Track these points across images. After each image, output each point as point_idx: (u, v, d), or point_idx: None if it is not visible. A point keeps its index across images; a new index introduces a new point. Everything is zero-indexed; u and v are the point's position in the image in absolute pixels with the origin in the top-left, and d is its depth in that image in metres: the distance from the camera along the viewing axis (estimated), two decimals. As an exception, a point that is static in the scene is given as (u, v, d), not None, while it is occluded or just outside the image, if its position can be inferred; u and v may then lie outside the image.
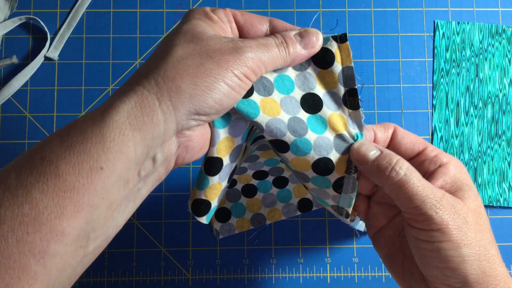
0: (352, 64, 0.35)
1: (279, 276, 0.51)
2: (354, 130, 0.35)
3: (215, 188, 0.35)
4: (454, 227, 0.31)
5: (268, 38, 0.32)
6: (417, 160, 0.37)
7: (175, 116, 0.28)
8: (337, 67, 0.35)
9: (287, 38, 0.33)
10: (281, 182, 0.50)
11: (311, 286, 0.51)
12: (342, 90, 0.35)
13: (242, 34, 0.34)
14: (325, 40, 0.35)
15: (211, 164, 0.34)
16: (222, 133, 0.33)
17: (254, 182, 0.50)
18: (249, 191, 0.50)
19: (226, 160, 0.35)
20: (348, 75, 0.35)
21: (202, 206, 0.35)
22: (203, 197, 0.35)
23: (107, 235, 0.28)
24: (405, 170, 0.33)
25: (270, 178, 0.49)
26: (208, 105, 0.29)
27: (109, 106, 0.27)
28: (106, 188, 0.26)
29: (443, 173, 0.35)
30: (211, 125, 0.33)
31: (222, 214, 0.50)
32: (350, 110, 0.35)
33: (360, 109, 0.35)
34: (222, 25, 0.32)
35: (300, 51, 0.34)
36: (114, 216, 0.28)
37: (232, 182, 0.49)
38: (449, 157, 0.36)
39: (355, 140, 0.35)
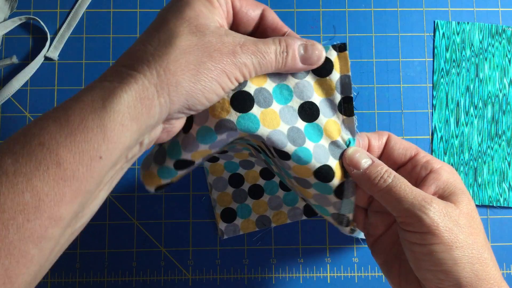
0: (350, 73, 0.35)
1: (279, 276, 0.51)
2: (347, 136, 0.36)
3: (179, 175, 0.37)
4: (445, 229, 0.32)
5: (270, 45, 0.32)
6: (409, 165, 0.38)
7: (169, 109, 0.29)
8: (335, 75, 0.35)
9: (290, 49, 0.33)
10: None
11: (311, 286, 0.51)
12: (338, 97, 0.36)
13: (236, 19, 0.34)
14: (326, 48, 0.35)
15: (183, 163, 0.36)
16: (202, 147, 0.35)
17: (261, 182, 0.50)
18: (256, 192, 0.50)
19: (198, 161, 0.36)
20: (345, 83, 0.36)
21: (161, 186, 0.38)
22: (166, 182, 0.37)
23: (92, 211, 0.29)
24: (392, 177, 0.34)
25: (277, 179, 0.50)
26: (200, 102, 0.30)
27: (110, 94, 0.27)
28: (101, 175, 0.27)
29: (435, 179, 0.35)
30: (194, 137, 0.34)
31: (228, 214, 0.51)
32: (344, 117, 0.36)
33: (354, 116, 0.36)
34: (221, 11, 0.32)
35: (298, 65, 0.34)
36: (101, 194, 0.29)
37: (239, 181, 0.50)
38: (440, 163, 0.37)
39: (347, 146, 0.36)
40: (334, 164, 0.35)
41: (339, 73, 0.35)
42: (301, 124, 0.35)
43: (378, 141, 0.38)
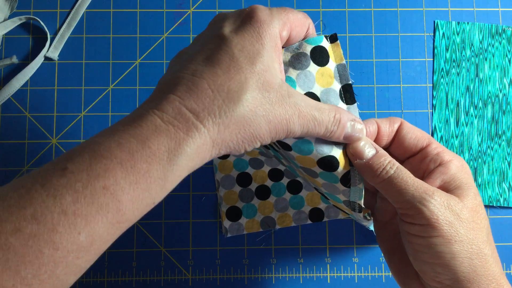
0: (344, 62, 0.36)
1: (279, 276, 0.51)
2: None
3: None
4: (445, 222, 0.32)
5: (324, 115, 0.32)
6: (419, 156, 0.37)
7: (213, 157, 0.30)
8: (332, 64, 0.36)
9: (340, 125, 0.33)
10: (295, 187, 0.51)
11: (311, 286, 0.51)
12: (338, 86, 0.36)
13: (289, 41, 0.34)
14: (320, 38, 0.35)
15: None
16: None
17: (269, 183, 0.51)
18: (263, 193, 0.51)
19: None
20: (341, 72, 0.36)
21: None
22: None
23: None
24: (395, 168, 0.34)
25: (285, 181, 0.50)
26: (231, 152, 0.30)
27: (175, 146, 0.27)
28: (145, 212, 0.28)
29: (442, 172, 0.35)
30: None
31: (233, 213, 0.51)
32: (347, 105, 0.36)
33: (356, 103, 0.36)
34: (280, 47, 0.32)
35: (339, 138, 0.34)
36: None
37: (247, 180, 0.51)
38: (451, 156, 0.36)
39: None
40: (338, 154, 0.35)
41: (334, 62, 0.36)
42: None
43: (388, 127, 0.38)
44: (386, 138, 0.38)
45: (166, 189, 0.28)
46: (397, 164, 0.34)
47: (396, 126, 0.38)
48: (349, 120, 0.33)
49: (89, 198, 0.25)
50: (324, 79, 0.36)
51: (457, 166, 0.35)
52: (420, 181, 0.33)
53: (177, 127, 0.27)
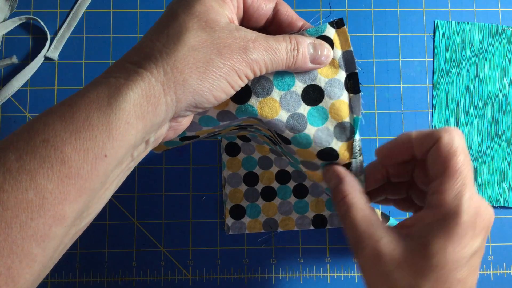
0: (351, 48, 0.35)
1: (279, 276, 0.51)
2: (353, 115, 0.35)
3: (185, 143, 0.41)
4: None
5: (280, 42, 0.32)
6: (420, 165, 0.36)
7: (175, 108, 0.29)
8: (337, 52, 0.35)
9: (300, 46, 0.32)
10: (301, 192, 0.51)
11: (311, 286, 0.51)
12: (343, 75, 0.35)
13: (247, 14, 0.34)
14: (323, 27, 0.35)
15: (188, 138, 0.38)
16: (206, 128, 0.36)
17: (275, 185, 0.51)
18: (268, 194, 0.51)
19: (203, 135, 0.39)
20: (348, 59, 0.35)
21: (168, 149, 0.42)
22: (173, 147, 0.41)
23: (97, 211, 0.29)
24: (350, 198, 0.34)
25: (292, 184, 0.51)
26: (208, 100, 0.30)
27: (115, 91, 0.27)
28: (106, 173, 0.27)
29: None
30: (197, 122, 0.35)
31: (237, 211, 0.51)
32: (351, 95, 0.35)
33: (360, 93, 0.35)
34: (231, 6, 0.32)
35: (307, 64, 0.33)
36: (106, 194, 0.29)
37: (254, 180, 0.51)
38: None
39: (354, 125, 0.35)
40: (339, 145, 0.34)
41: (340, 49, 0.35)
42: (304, 108, 0.35)
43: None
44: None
45: (114, 138, 0.26)
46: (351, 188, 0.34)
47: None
48: (308, 42, 0.33)
49: (31, 153, 0.25)
50: (328, 69, 0.35)
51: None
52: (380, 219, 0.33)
53: (118, 77, 0.27)
